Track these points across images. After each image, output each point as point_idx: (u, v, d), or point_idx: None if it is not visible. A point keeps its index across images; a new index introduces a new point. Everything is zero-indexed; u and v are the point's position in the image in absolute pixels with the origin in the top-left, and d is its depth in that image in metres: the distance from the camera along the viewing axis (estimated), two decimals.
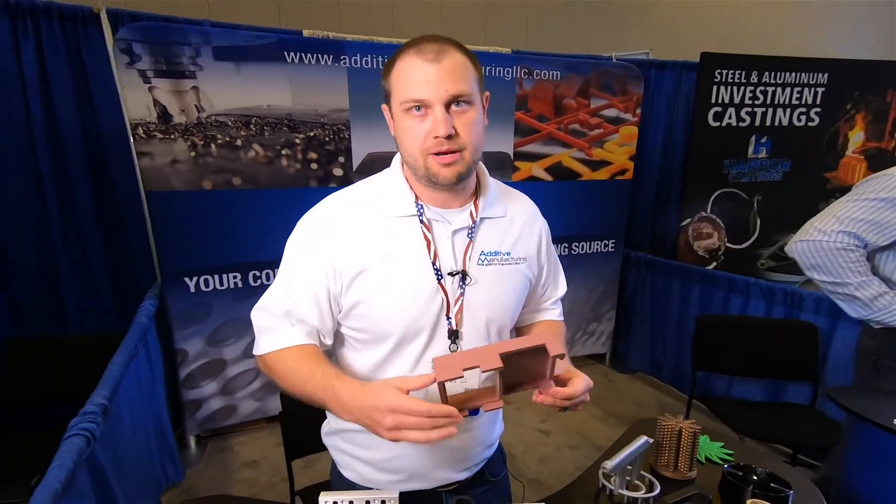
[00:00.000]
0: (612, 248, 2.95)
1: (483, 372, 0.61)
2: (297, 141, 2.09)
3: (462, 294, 0.74)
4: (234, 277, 2.11)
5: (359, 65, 2.10)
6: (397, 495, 0.75)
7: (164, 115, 1.85)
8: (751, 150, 3.00)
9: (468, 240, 0.76)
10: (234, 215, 2.04)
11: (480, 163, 0.78)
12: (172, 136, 1.88)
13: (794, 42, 3.71)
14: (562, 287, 0.93)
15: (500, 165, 2.54)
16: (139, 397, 1.57)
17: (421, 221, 0.74)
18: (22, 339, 1.91)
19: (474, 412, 0.65)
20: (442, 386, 0.61)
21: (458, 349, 0.75)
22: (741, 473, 0.90)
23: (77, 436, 1.00)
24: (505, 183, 0.88)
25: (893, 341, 1.29)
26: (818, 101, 2.98)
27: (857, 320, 1.36)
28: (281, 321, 0.74)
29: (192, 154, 1.93)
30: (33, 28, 1.79)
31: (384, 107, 0.75)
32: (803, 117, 3.01)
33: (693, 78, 2.94)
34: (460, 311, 0.74)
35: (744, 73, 2.85)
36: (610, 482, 0.92)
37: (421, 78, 0.66)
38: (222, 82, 1.90)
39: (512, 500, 0.94)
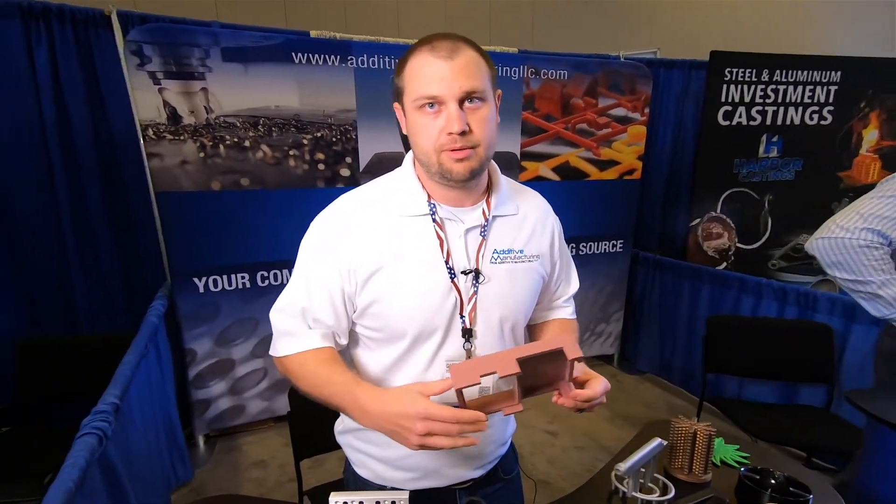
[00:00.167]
0: (620, 248, 2.92)
1: (501, 377, 0.60)
2: (305, 141, 2.09)
3: (475, 293, 0.74)
4: (242, 278, 2.12)
5: (366, 65, 2.11)
6: (407, 495, 0.75)
7: (173, 116, 1.86)
8: (762, 149, 2.96)
9: (481, 238, 0.76)
10: (242, 216, 2.05)
11: (493, 161, 0.77)
12: (182, 137, 1.90)
13: (804, 40, 3.66)
14: (574, 284, 0.93)
15: (507, 165, 2.53)
16: (149, 397, 1.58)
17: (434, 220, 0.74)
18: (34, 338, 1.93)
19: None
20: (460, 392, 0.60)
21: (472, 347, 0.75)
22: (758, 477, 0.89)
23: (89, 434, 1.01)
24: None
25: None
26: (831, 100, 2.94)
27: (874, 322, 1.33)
28: (299, 323, 0.75)
29: (201, 155, 1.94)
30: (46, 30, 1.81)
31: (396, 105, 0.75)
32: (816, 116, 2.97)
33: (702, 77, 2.91)
34: (474, 309, 0.74)
35: (754, 71, 2.81)
36: (623, 484, 0.91)
37: (434, 75, 0.66)
38: (231, 83, 1.91)
39: (524, 499, 0.94)
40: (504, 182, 0.81)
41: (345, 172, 2.19)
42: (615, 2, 3.51)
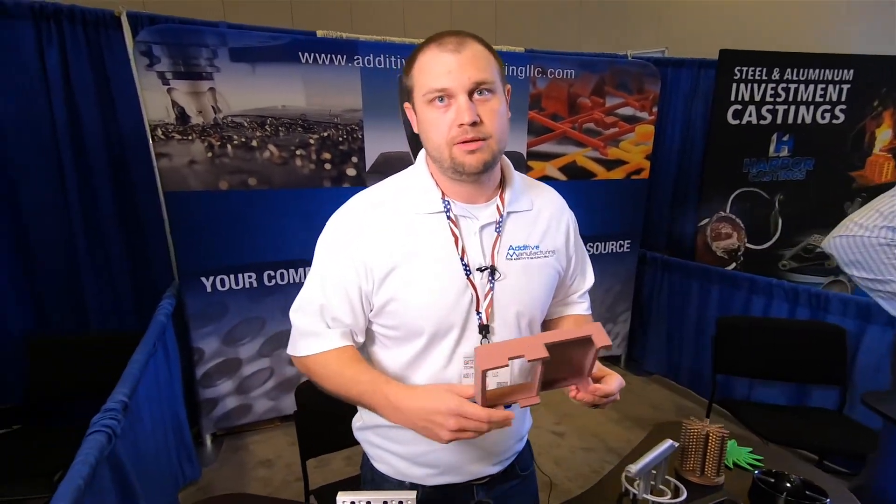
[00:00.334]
0: (627, 248, 2.90)
1: (529, 361, 0.59)
2: (311, 141, 2.10)
3: (492, 289, 0.74)
4: (249, 277, 2.13)
5: (372, 65, 2.11)
6: (415, 496, 0.75)
7: (182, 116, 1.87)
8: (772, 148, 2.93)
9: (496, 234, 0.76)
10: (249, 215, 2.05)
11: (505, 157, 0.78)
12: (190, 137, 1.91)
13: (815, 39, 3.62)
14: (589, 278, 0.92)
15: (514, 165, 2.50)
16: (157, 395, 1.58)
17: (448, 217, 0.74)
18: (44, 337, 1.94)
19: (508, 408, 0.65)
20: (484, 377, 0.59)
21: (490, 344, 0.75)
22: (773, 480, 0.87)
23: (99, 432, 1.01)
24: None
25: None
26: (843, 98, 2.90)
27: (889, 322, 1.30)
28: (317, 322, 0.75)
29: (209, 155, 1.95)
30: (57, 31, 1.83)
31: (406, 105, 0.75)
32: (827, 115, 2.92)
33: (711, 76, 2.88)
34: (490, 305, 0.74)
35: (765, 70, 2.78)
36: (634, 486, 0.89)
37: (442, 68, 0.66)
38: (238, 83, 1.92)
39: (538, 497, 0.94)
40: (518, 178, 0.81)
41: (351, 172, 2.19)
42: (622, 1, 3.49)
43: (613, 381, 0.69)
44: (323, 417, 1.39)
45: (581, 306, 0.92)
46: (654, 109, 2.75)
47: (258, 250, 2.11)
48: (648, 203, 2.97)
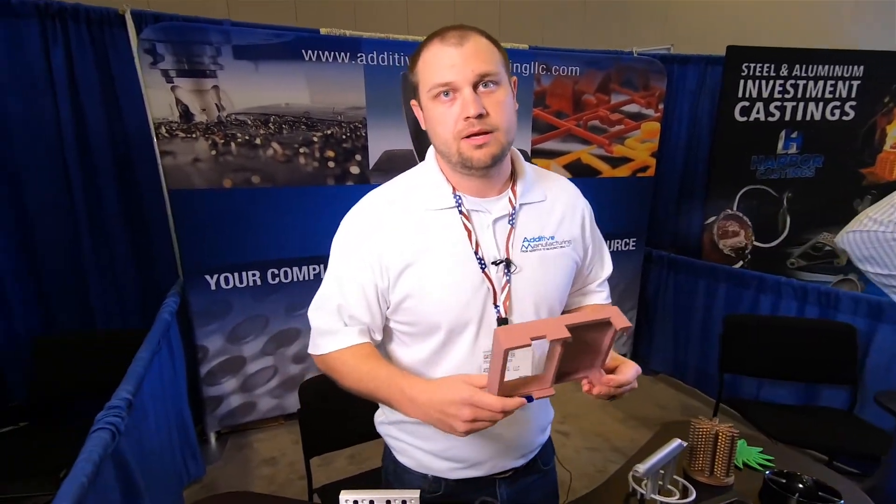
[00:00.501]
0: (633, 246, 2.88)
1: (550, 342, 0.58)
2: (315, 139, 2.09)
3: (508, 282, 0.74)
4: (253, 275, 2.12)
5: (375, 62, 2.10)
6: (418, 495, 0.74)
7: (185, 114, 1.87)
8: (780, 145, 2.89)
9: (509, 227, 0.75)
10: (252, 213, 2.05)
11: (515, 149, 0.77)
12: (194, 135, 1.90)
13: (823, 35, 3.57)
14: (608, 267, 0.91)
15: None
16: (162, 393, 1.58)
17: (460, 212, 0.74)
18: (49, 336, 1.95)
19: (529, 399, 0.63)
20: (505, 358, 0.58)
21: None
22: (784, 481, 0.85)
23: (102, 430, 1.01)
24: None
25: None
26: (853, 95, 2.85)
27: None
28: (335, 321, 0.76)
29: (213, 153, 1.95)
30: (62, 30, 1.83)
31: (413, 102, 0.75)
32: (837, 111, 2.88)
33: (718, 72, 2.85)
34: (508, 298, 0.74)
35: (773, 66, 2.74)
36: (641, 486, 0.88)
37: (446, 62, 0.66)
38: (242, 81, 1.92)
39: (559, 491, 0.94)
40: (529, 169, 0.80)
41: (354, 170, 2.19)
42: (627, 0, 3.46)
43: (628, 370, 0.67)
44: (326, 416, 1.39)
45: (600, 295, 0.91)
46: (660, 106, 2.72)
47: (262, 248, 2.11)
48: (654, 201, 2.94)
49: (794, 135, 2.89)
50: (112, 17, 1.90)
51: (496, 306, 0.73)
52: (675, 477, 0.91)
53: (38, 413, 1.88)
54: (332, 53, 2.02)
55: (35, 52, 1.81)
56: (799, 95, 2.82)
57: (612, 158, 2.70)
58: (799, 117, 2.86)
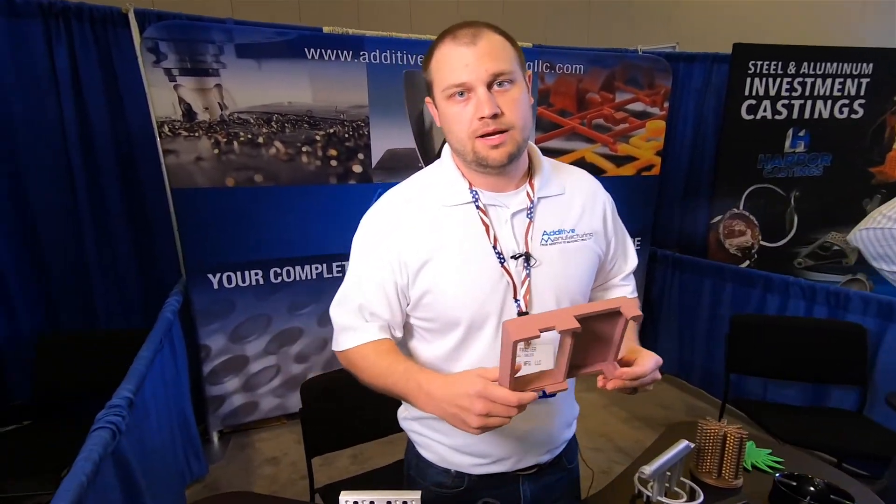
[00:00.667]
0: (637, 245, 2.85)
1: (559, 332, 0.57)
2: (317, 138, 2.08)
3: (528, 276, 0.73)
4: (256, 274, 2.12)
5: (378, 60, 2.09)
6: (419, 496, 0.73)
7: (188, 112, 1.87)
8: (787, 143, 2.86)
9: (528, 221, 0.75)
10: (255, 212, 2.05)
11: (532, 143, 0.78)
12: (197, 134, 1.90)
13: (831, 32, 3.53)
14: (632, 260, 0.90)
15: None
16: (164, 392, 1.58)
17: (477, 207, 0.74)
18: (52, 334, 1.95)
19: (549, 395, 0.63)
20: (514, 350, 0.57)
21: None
22: (795, 483, 0.83)
23: (103, 429, 1.01)
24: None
25: None
26: (862, 93, 2.82)
27: None
28: (356, 318, 0.77)
29: (216, 151, 1.95)
30: (65, 29, 1.83)
31: (427, 100, 0.76)
32: (846, 109, 2.85)
33: (724, 70, 2.82)
34: (528, 292, 0.73)
35: (780, 64, 2.71)
36: (647, 488, 0.86)
37: (459, 62, 0.66)
38: (244, 79, 1.91)
39: (580, 491, 0.93)
40: (546, 163, 0.80)
41: (357, 169, 2.18)
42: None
43: (646, 361, 0.65)
44: (328, 415, 1.38)
45: (625, 289, 0.89)
46: (666, 105, 2.70)
47: (264, 247, 2.11)
48: (659, 200, 2.92)
49: (801, 133, 2.85)
50: (115, 16, 1.90)
51: (516, 300, 0.73)
52: (681, 479, 0.89)
53: (42, 412, 1.88)
54: (335, 52, 2.02)
55: (39, 52, 1.82)
56: (807, 93, 2.79)
57: (617, 157, 2.68)
58: (807, 115, 2.83)
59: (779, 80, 2.74)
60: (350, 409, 1.41)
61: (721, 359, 2.00)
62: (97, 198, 2.02)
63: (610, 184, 0.86)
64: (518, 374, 0.61)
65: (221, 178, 1.97)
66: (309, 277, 2.22)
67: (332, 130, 2.10)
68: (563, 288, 0.75)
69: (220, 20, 1.98)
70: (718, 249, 2.93)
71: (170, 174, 1.92)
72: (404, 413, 0.89)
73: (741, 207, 2.91)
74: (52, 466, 1.57)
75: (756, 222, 2.93)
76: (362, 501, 0.72)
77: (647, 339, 3.02)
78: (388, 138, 2.19)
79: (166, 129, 1.86)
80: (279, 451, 2.21)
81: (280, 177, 2.06)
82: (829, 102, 2.83)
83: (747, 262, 2.95)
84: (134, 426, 1.16)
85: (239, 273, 2.09)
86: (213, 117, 1.91)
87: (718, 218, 2.90)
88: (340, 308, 0.79)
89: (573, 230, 0.77)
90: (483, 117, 0.66)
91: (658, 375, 0.67)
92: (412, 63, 2.14)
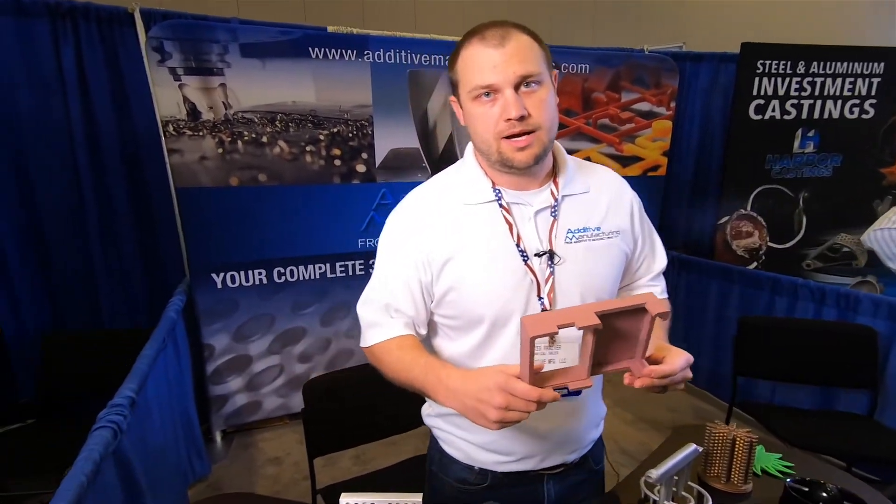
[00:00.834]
0: None
1: (578, 329, 0.56)
2: (321, 137, 2.08)
3: (552, 274, 0.73)
4: (259, 274, 2.12)
5: (382, 60, 2.08)
6: (420, 499, 0.72)
7: (193, 112, 1.87)
8: (797, 144, 2.82)
9: (552, 219, 0.75)
10: (259, 212, 2.05)
11: (557, 142, 0.77)
12: (201, 133, 1.90)
13: (841, 32, 3.49)
14: (660, 260, 0.88)
15: None
16: (167, 391, 1.58)
17: (500, 205, 0.74)
18: (57, 333, 1.96)
19: (574, 393, 0.62)
20: (532, 347, 0.56)
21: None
22: (806, 489, 0.81)
23: (104, 428, 1.00)
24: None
25: None
26: (873, 92, 2.78)
27: None
28: (382, 314, 0.78)
29: (220, 151, 1.95)
30: (72, 28, 1.84)
31: (452, 99, 0.76)
32: (856, 109, 2.81)
33: (732, 70, 2.79)
34: (552, 290, 0.73)
35: (788, 63, 2.68)
36: (654, 492, 0.84)
37: (487, 63, 0.66)
38: (249, 79, 1.91)
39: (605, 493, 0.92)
40: (571, 161, 0.80)
41: (361, 168, 2.17)
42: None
43: (676, 359, 0.63)
44: (331, 415, 1.37)
45: (654, 290, 0.88)
46: (672, 104, 2.68)
47: (268, 247, 2.10)
48: (665, 200, 2.89)
49: (811, 133, 2.82)
50: (122, 15, 1.91)
51: (540, 298, 0.72)
52: (689, 483, 0.87)
53: (46, 410, 1.89)
54: (339, 51, 2.01)
55: (46, 51, 1.83)
56: (816, 93, 2.75)
57: (623, 157, 2.66)
58: (816, 115, 2.79)
59: (788, 79, 2.71)
60: (352, 410, 1.40)
61: (728, 361, 1.97)
62: (103, 197, 2.03)
63: None
64: (542, 371, 0.60)
65: (225, 177, 1.97)
66: (312, 277, 2.21)
67: (335, 130, 2.09)
68: (589, 286, 0.75)
69: (225, 19, 1.99)
70: (725, 251, 2.90)
71: (174, 173, 1.92)
72: (428, 410, 0.89)
73: (749, 208, 2.87)
74: (55, 465, 1.57)
75: (764, 223, 2.90)
76: (363, 503, 0.71)
77: None
78: (391, 138, 2.18)
79: (171, 128, 1.86)
80: (282, 452, 2.20)
81: (284, 176, 2.06)
82: (840, 102, 2.79)
83: (755, 264, 2.91)
84: (136, 425, 1.16)
85: (242, 272, 2.09)
86: (217, 116, 1.91)
87: (725, 219, 2.87)
88: (367, 306, 0.80)
89: (598, 228, 0.77)
90: (510, 119, 0.66)
91: (689, 374, 0.66)
92: (416, 62, 2.13)
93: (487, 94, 0.68)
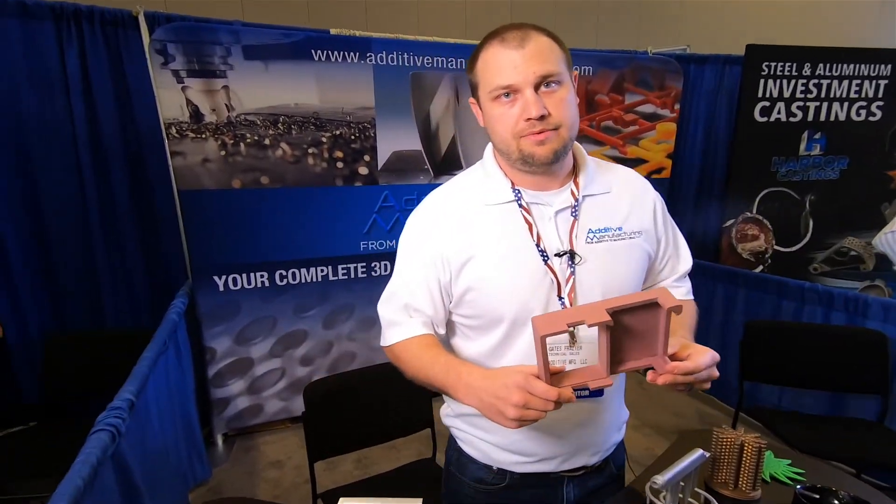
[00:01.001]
0: None
1: (589, 326, 0.55)
2: (324, 139, 2.08)
3: (573, 274, 0.73)
4: (262, 276, 2.11)
5: (384, 62, 2.08)
6: (420, 503, 0.70)
7: (196, 114, 1.88)
8: (803, 146, 2.80)
9: (572, 219, 0.75)
10: (261, 214, 2.04)
11: (577, 142, 0.77)
12: (204, 136, 1.91)
13: (847, 34, 3.47)
14: (685, 261, 0.87)
15: None
16: (168, 394, 1.57)
17: (520, 205, 0.74)
18: (59, 335, 1.95)
19: (597, 394, 0.62)
20: (543, 346, 0.55)
21: (575, 330, 0.72)
22: (818, 497, 0.79)
23: (102, 431, 1.00)
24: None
25: None
26: (880, 95, 2.76)
27: None
28: (401, 313, 0.79)
29: (223, 153, 1.95)
30: (76, 31, 1.85)
31: (471, 100, 0.77)
32: (863, 111, 2.79)
33: (737, 72, 2.78)
34: (573, 290, 0.73)
35: (794, 65, 2.67)
36: (659, 499, 0.82)
37: (507, 64, 0.67)
38: (251, 81, 1.92)
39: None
40: (591, 162, 0.80)
41: (363, 171, 2.17)
42: (641, 2, 3.40)
43: (700, 356, 0.62)
44: (332, 419, 1.36)
45: (678, 291, 0.86)
46: (676, 107, 2.66)
47: (270, 249, 2.10)
48: (670, 203, 2.83)
49: (817, 135, 2.80)
50: (126, 18, 1.92)
51: (560, 298, 0.72)
52: (696, 489, 0.85)
53: (49, 412, 1.88)
54: (342, 53, 2.01)
55: (50, 53, 1.84)
56: (822, 95, 2.73)
57: (627, 160, 2.64)
58: (822, 118, 2.77)
59: (793, 81, 2.69)
60: (354, 413, 1.39)
61: (734, 366, 1.95)
62: (106, 198, 2.04)
63: None
64: (563, 371, 0.60)
65: (228, 179, 1.97)
66: (314, 280, 2.20)
67: (338, 132, 2.09)
68: (610, 286, 0.74)
69: (228, 22, 1.99)
70: (731, 254, 2.88)
71: (177, 176, 1.93)
72: (446, 410, 0.89)
73: (754, 211, 2.85)
74: (57, 467, 1.55)
75: (770, 226, 2.87)
76: None
77: None
78: (394, 140, 2.17)
79: (174, 130, 1.87)
80: (283, 455, 2.19)
81: (286, 178, 2.06)
82: (846, 104, 2.77)
83: (761, 268, 2.89)
84: (135, 428, 1.15)
85: (244, 275, 2.09)
86: (220, 119, 1.91)
87: (731, 222, 2.85)
88: (387, 305, 0.80)
89: (620, 228, 0.76)
90: (530, 118, 0.66)
91: (715, 373, 0.64)
92: (419, 65, 2.13)
93: (507, 95, 0.68)
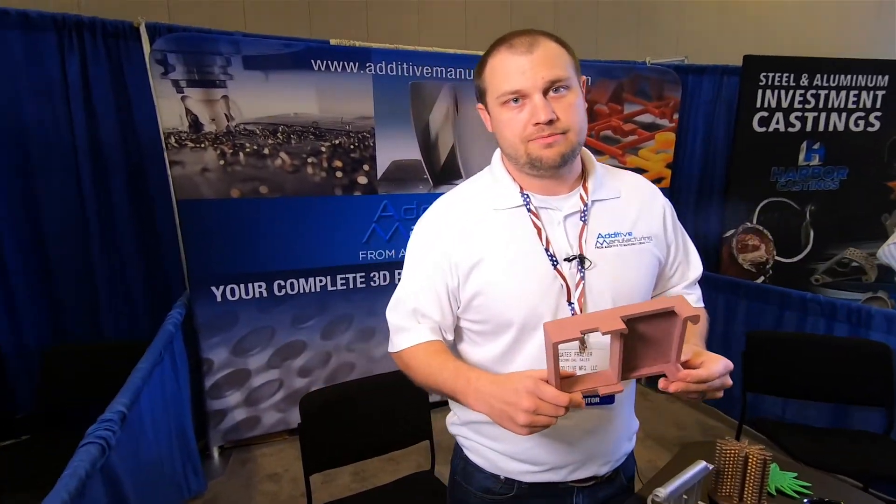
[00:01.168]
0: None
1: (603, 334, 0.55)
2: (323, 149, 2.08)
3: (583, 279, 0.72)
4: (259, 287, 2.10)
5: (384, 72, 2.09)
6: None
7: (195, 124, 1.88)
8: (802, 157, 2.80)
9: (581, 223, 0.74)
10: (260, 224, 2.04)
11: (585, 148, 0.77)
12: (203, 145, 1.91)
13: (844, 45, 3.49)
14: (695, 267, 0.87)
15: None
16: (163, 405, 1.55)
17: (528, 210, 0.74)
18: (58, 347, 1.93)
19: (608, 401, 0.61)
20: (555, 352, 0.54)
21: (586, 336, 0.70)
22: None
23: (91, 444, 0.98)
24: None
25: None
26: (878, 105, 2.77)
27: None
28: (409, 319, 0.79)
29: (222, 163, 1.95)
30: (78, 43, 1.86)
31: (479, 106, 0.77)
32: (861, 122, 2.80)
33: (735, 83, 2.80)
34: (582, 295, 0.72)
35: (792, 76, 2.68)
36: None
37: (515, 70, 0.67)
38: (251, 91, 1.92)
39: None
40: (600, 167, 0.80)
41: (362, 180, 2.17)
42: (640, 10, 3.44)
43: (714, 365, 0.61)
44: (329, 430, 1.34)
45: (689, 298, 0.85)
46: (675, 116, 2.67)
47: (268, 259, 2.09)
48: None
49: (816, 146, 2.80)
50: (127, 29, 1.93)
51: (570, 303, 0.71)
52: (699, 503, 0.83)
53: (46, 423, 1.86)
54: (342, 63, 2.03)
55: (52, 64, 1.85)
56: (821, 106, 2.75)
57: (626, 169, 2.64)
58: (821, 128, 2.78)
59: (791, 91, 2.71)
60: (351, 425, 1.37)
61: (737, 377, 1.91)
62: (105, 208, 2.03)
63: None
64: (573, 376, 0.59)
65: (227, 189, 1.97)
66: (313, 290, 2.19)
67: (337, 142, 2.10)
68: (620, 291, 0.74)
69: (228, 32, 2.01)
70: (731, 264, 2.86)
71: (176, 185, 1.92)
72: (453, 418, 0.88)
73: (755, 221, 2.84)
74: (50, 479, 1.53)
75: (770, 237, 2.86)
76: None
77: None
78: (393, 150, 2.18)
79: (173, 140, 1.87)
80: (280, 468, 2.15)
81: (285, 188, 2.06)
82: (844, 115, 2.78)
83: (762, 278, 2.87)
84: (126, 441, 1.13)
85: (242, 285, 2.07)
86: (219, 128, 1.92)
87: (731, 232, 2.84)
88: (395, 311, 0.81)
89: (630, 233, 0.76)
90: (538, 123, 0.67)
91: (728, 381, 0.63)
92: (418, 74, 2.15)
93: (516, 100, 0.68)
